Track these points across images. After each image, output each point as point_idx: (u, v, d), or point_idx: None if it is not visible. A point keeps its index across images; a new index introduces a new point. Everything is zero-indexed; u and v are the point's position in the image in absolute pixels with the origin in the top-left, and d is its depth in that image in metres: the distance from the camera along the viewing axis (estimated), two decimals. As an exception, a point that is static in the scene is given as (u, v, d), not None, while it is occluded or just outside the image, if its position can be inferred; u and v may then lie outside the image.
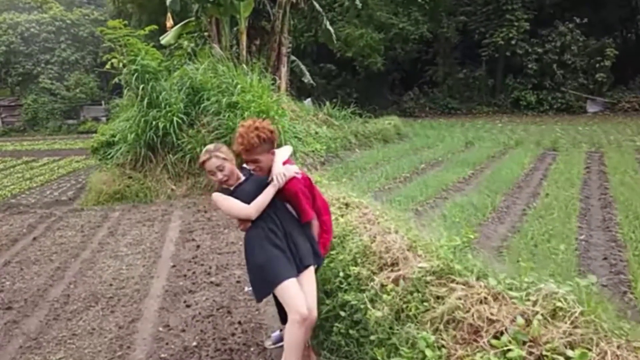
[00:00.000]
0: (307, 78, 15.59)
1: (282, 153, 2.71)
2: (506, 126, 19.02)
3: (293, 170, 2.66)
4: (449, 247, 2.57)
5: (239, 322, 3.58)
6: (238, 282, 4.36)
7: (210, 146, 2.76)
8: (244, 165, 2.80)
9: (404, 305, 2.37)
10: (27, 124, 28.20)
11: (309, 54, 24.97)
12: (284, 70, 13.47)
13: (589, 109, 24.29)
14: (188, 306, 3.92)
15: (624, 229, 5.21)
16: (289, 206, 2.75)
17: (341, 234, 3.42)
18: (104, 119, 24.11)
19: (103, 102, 27.53)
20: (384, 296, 2.47)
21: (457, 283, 2.28)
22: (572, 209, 6.06)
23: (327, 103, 14.05)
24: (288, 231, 2.66)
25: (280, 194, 2.65)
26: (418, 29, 24.58)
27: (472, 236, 2.66)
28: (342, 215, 3.77)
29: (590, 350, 1.58)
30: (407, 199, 6.70)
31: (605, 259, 4.51)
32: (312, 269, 2.66)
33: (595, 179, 8.36)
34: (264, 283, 2.58)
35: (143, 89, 8.62)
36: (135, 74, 8.64)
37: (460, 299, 2.12)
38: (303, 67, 15.83)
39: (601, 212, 6.18)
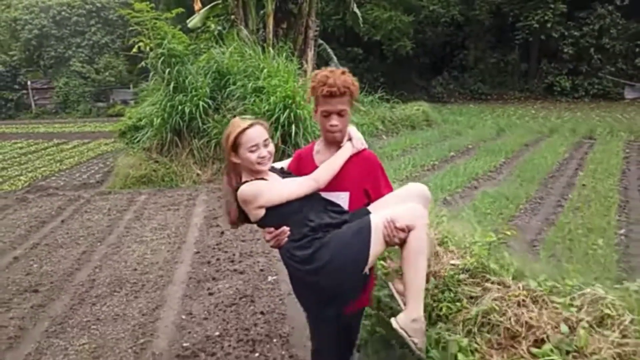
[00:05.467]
0: (335, 62, 15.32)
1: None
2: (539, 113, 18.41)
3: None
4: (483, 244, 2.42)
5: (262, 312, 3.52)
6: (262, 270, 4.31)
7: (244, 117, 2.01)
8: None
9: (435, 305, 2.24)
10: (58, 107, 28.78)
11: (336, 38, 24.57)
12: (310, 54, 13.25)
13: (627, 95, 23.27)
14: (211, 294, 3.89)
15: (669, 224, 4.93)
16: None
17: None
18: (132, 102, 24.39)
19: (131, 86, 27.85)
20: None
21: (492, 283, 2.13)
22: (610, 202, 5.76)
23: (354, 88, 13.79)
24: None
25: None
26: (449, 11, 23.88)
27: (509, 233, 2.49)
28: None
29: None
30: (436, 188, 6.50)
31: (648, 255, 4.27)
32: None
33: (634, 170, 7.98)
34: (355, 258, 1.86)
35: (169, 73, 8.59)
36: (162, 58, 8.62)
37: (496, 300, 1.98)
38: (330, 51, 15.56)
39: (641, 205, 5.88)
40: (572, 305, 1.76)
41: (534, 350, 1.66)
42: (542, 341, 1.69)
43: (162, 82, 8.87)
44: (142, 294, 3.97)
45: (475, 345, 1.89)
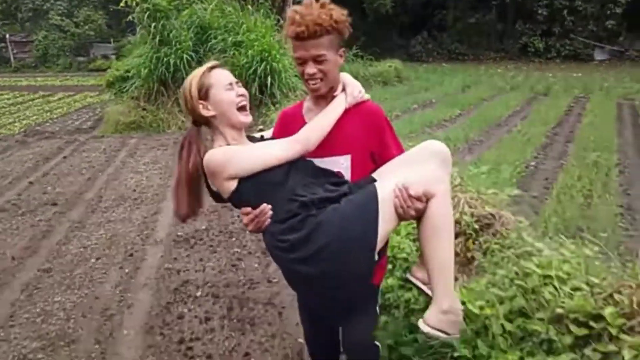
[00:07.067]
0: (312, 19, 15.88)
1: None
2: (509, 72, 19.33)
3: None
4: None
5: (238, 216, 4.54)
6: (238, 190, 5.29)
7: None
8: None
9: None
10: (38, 61, 28.67)
11: (316, -5, 24.83)
12: (289, 11, 13.81)
13: (597, 57, 24.27)
14: (198, 205, 4.88)
15: (571, 158, 6.03)
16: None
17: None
18: (113, 57, 24.57)
19: (112, 40, 27.84)
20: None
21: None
22: (534, 142, 6.85)
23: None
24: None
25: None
26: (428, -30, 24.25)
27: (411, 143, 3.50)
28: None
29: (453, 199, 2.47)
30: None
31: (546, 179, 5.37)
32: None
33: (571, 120, 9.05)
34: (363, 229, 1.46)
35: (154, 27, 9.26)
36: (147, 13, 9.26)
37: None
38: (309, 8, 16.09)
39: (562, 146, 6.97)
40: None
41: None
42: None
43: (148, 35, 9.54)
44: (142, 206, 4.95)
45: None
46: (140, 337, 2.73)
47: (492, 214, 2.27)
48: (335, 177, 1.60)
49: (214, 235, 4.10)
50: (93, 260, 3.70)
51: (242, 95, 1.57)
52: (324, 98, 1.66)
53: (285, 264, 1.54)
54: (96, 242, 4.02)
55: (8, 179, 6.02)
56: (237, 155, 1.50)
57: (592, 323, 1.35)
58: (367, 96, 1.69)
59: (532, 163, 5.96)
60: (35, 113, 12.21)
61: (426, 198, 1.44)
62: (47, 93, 16.72)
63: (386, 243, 1.65)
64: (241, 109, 1.56)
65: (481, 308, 1.46)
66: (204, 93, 1.53)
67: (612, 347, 1.27)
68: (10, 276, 3.51)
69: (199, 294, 3.15)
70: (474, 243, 2.19)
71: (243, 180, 1.48)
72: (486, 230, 2.23)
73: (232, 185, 1.49)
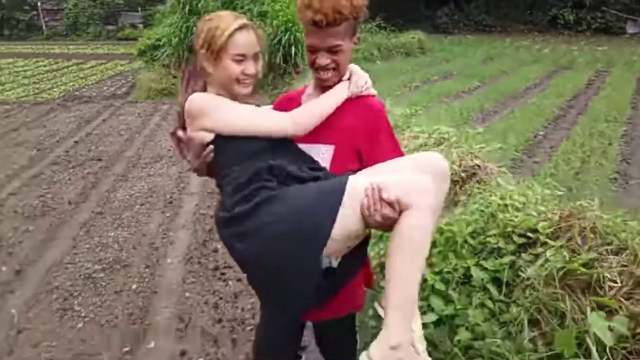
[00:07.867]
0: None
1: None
2: (535, 45, 19.11)
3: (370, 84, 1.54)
4: (400, 115, 3.84)
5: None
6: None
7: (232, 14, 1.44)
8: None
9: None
10: (69, 29, 29.38)
11: (342, -36, 24.59)
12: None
13: (629, 30, 23.59)
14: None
15: (578, 128, 6.30)
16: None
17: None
18: (141, 25, 25.05)
19: (139, 9, 28.26)
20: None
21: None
22: (546, 113, 7.11)
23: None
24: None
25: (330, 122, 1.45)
26: (457, -63, 23.76)
27: (418, 107, 3.90)
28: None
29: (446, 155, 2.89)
30: (410, 103, 7.82)
31: (551, 147, 5.69)
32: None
33: (589, 94, 9.17)
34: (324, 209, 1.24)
35: (184, -4, 9.70)
36: (177, -18, 9.69)
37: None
38: (333, -23, 16.17)
39: (574, 117, 7.20)
40: (428, 135, 3.21)
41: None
42: (410, 152, 3.15)
43: (178, 5, 9.98)
44: (177, 163, 5.50)
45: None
46: (182, 265, 3.28)
47: (477, 165, 2.68)
48: (314, 164, 1.43)
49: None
50: (138, 206, 4.27)
51: (248, 74, 1.39)
52: (329, 87, 1.49)
53: (226, 240, 1.34)
54: (139, 192, 4.60)
55: (56, 138, 6.66)
56: (222, 109, 1.35)
57: (529, 234, 1.79)
58: (372, 91, 1.52)
59: (541, 133, 6.26)
60: (71, 79, 12.89)
61: (400, 208, 1.20)
62: (80, 61, 17.38)
63: (366, 269, 1.55)
64: (240, 82, 1.39)
65: (448, 224, 1.90)
66: (218, 51, 1.36)
67: (540, 250, 1.71)
68: (69, 217, 4.10)
69: (229, 233, 3.68)
70: (460, 188, 2.62)
71: (220, 139, 1.35)
72: (472, 178, 2.65)
73: (205, 137, 1.36)
